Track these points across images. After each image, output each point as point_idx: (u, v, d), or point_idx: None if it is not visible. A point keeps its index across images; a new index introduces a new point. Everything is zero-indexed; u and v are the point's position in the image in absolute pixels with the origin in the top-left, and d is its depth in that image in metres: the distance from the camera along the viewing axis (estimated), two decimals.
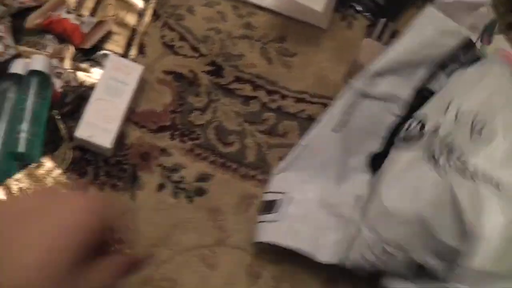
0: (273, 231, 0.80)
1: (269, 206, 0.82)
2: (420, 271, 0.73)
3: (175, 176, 0.87)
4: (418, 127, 0.76)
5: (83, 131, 0.84)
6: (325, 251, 0.77)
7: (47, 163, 0.80)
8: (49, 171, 0.79)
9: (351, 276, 0.81)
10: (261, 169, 0.90)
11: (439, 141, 0.74)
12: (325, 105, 0.94)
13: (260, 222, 0.82)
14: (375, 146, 0.85)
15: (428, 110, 0.79)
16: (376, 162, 0.85)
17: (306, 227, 0.79)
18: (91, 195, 0.58)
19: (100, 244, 0.54)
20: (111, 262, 0.56)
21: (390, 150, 0.79)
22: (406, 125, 0.79)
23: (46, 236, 0.47)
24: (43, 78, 0.83)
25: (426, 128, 0.76)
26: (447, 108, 0.76)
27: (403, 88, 0.83)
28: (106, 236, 0.56)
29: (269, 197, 0.82)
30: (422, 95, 0.83)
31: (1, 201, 0.56)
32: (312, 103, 0.95)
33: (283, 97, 0.95)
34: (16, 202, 0.54)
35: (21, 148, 0.79)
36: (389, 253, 0.73)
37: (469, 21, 0.86)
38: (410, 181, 0.73)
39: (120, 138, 0.88)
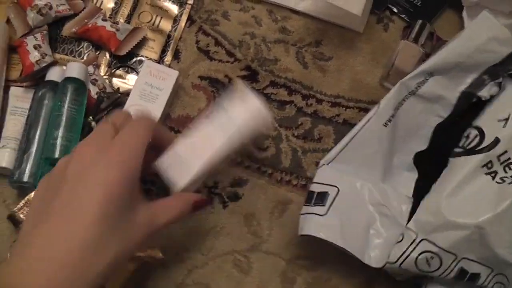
0: (319, 225, 0.77)
1: (315, 198, 0.79)
2: (462, 277, 0.72)
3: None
4: (478, 138, 0.75)
5: None
6: (373, 254, 0.75)
7: None
8: None
9: (388, 280, 0.80)
10: (296, 174, 0.89)
11: (499, 153, 0.73)
12: (360, 109, 0.93)
13: (304, 214, 0.79)
14: (420, 145, 0.84)
15: (487, 121, 0.77)
16: (421, 161, 0.84)
17: (353, 224, 0.77)
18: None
19: None
20: (176, 199, 0.66)
21: (449, 158, 0.77)
22: (465, 134, 0.78)
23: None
24: (78, 84, 0.84)
25: (486, 139, 0.75)
26: (507, 120, 0.75)
27: (450, 90, 0.82)
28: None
29: (315, 188, 0.80)
30: (468, 100, 0.82)
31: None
32: (348, 107, 0.93)
33: (319, 101, 0.94)
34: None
35: (58, 154, 0.80)
36: (438, 259, 0.71)
37: None
38: (470, 192, 0.72)
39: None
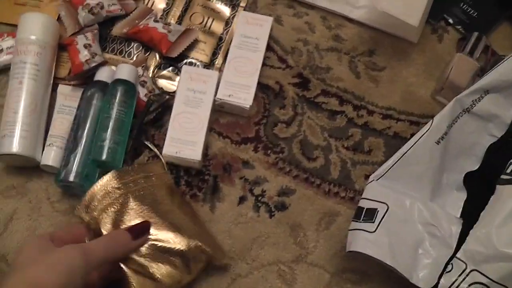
0: (367, 242, 0.75)
1: (364, 214, 0.78)
2: None
3: (257, 189, 0.86)
4: None
5: (169, 148, 0.83)
6: (421, 274, 0.73)
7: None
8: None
9: None
10: (344, 186, 0.87)
11: None
12: (412, 123, 0.91)
13: (353, 229, 0.78)
14: (471, 165, 0.82)
15: None
16: (471, 181, 0.82)
17: (402, 243, 0.75)
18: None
19: None
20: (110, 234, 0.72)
21: (497, 186, 0.74)
22: None
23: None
24: (128, 87, 0.83)
25: None
26: None
27: (505, 109, 0.80)
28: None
29: (364, 204, 0.79)
30: None
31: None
32: (399, 120, 0.92)
33: (370, 112, 0.92)
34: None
35: (105, 156, 0.80)
36: None
37: None
38: None
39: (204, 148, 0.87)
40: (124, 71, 0.84)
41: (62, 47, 0.90)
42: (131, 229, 0.72)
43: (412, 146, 0.78)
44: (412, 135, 0.85)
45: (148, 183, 0.79)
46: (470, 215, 0.76)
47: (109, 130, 0.81)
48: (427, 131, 0.78)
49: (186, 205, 0.82)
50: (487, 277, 0.69)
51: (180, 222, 0.77)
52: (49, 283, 0.58)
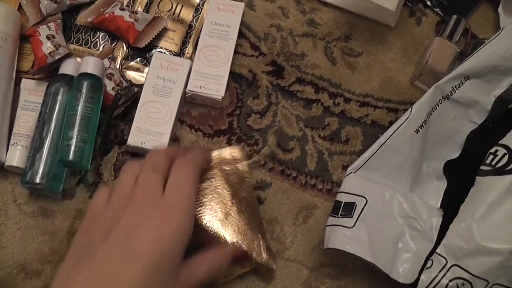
0: (346, 238, 0.73)
1: (342, 208, 0.75)
2: None
3: None
4: (506, 157, 0.70)
5: (134, 138, 0.80)
6: (401, 269, 0.72)
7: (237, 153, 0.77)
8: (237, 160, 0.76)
9: None
10: (321, 178, 0.85)
11: None
12: (390, 110, 0.89)
13: (331, 225, 0.76)
14: (451, 153, 0.81)
15: None
16: (451, 170, 0.81)
17: (381, 237, 0.73)
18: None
19: None
20: (212, 254, 0.65)
21: (476, 177, 0.72)
22: (492, 151, 0.73)
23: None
24: (94, 81, 0.80)
25: None
26: None
27: (485, 95, 0.79)
28: None
29: (342, 197, 0.76)
30: (504, 106, 0.78)
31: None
32: (377, 107, 0.89)
33: (347, 100, 0.89)
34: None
35: (72, 156, 0.76)
36: (469, 286, 0.68)
37: None
38: (502, 215, 0.67)
39: (174, 142, 0.84)
40: (90, 65, 0.80)
41: (25, 38, 0.85)
42: (235, 254, 0.69)
43: (391, 136, 0.76)
44: (391, 122, 0.84)
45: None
46: (450, 206, 0.75)
47: (75, 128, 0.77)
48: (406, 120, 0.76)
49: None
50: (468, 272, 0.68)
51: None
52: None
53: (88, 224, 0.61)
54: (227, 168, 0.74)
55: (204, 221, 0.71)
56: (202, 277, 0.61)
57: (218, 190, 0.73)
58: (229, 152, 0.75)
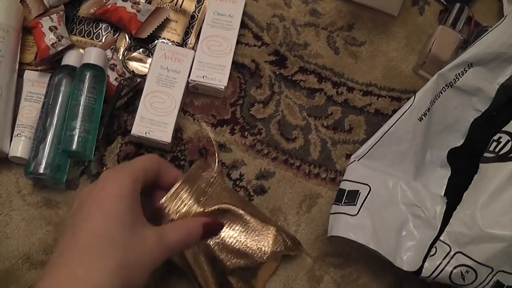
0: (349, 225, 0.73)
1: (345, 196, 0.75)
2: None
3: (235, 173, 0.83)
4: (509, 144, 0.70)
5: (139, 128, 0.80)
6: (405, 257, 0.72)
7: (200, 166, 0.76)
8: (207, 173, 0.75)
9: (418, 283, 0.78)
10: (325, 167, 0.85)
11: None
12: (393, 99, 0.89)
13: (334, 213, 0.75)
14: (455, 141, 0.81)
15: None
16: (455, 158, 0.80)
17: (385, 225, 0.73)
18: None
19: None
20: (184, 221, 0.68)
21: (480, 165, 0.72)
22: (496, 138, 0.72)
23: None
24: (97, 71, 0.80)
25: None
26: None
27: (489, 82, 0.79)
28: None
29: (345, 185, 0.76)
30: (508, 93, 0.78)
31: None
32: (380, 96, 0.89)
33: (350, 89, 0.89)
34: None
35: (75, 146, 0.76)
36: (474, 273, 0.68)
37: None
38: (506, 201, 0.67)
39: (177, 132, 0.84)
40: (92, 55, 0.80)
41: (27, 30, 0.85)
42: (207, 225, 0.68)
43: (394, 124, 0.75)
44: (394, 111, 0.83)
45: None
46: (454, 193, 0.74)
47: (78, 118, 0.77)
48: (409, 107, 0.75)
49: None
50: (472, 259, 0.68)
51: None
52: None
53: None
54: (204, 186, 0.74)
55: (231, 241, 0.73)
56: (173, 242, 0.61)
57: (221, 207, 0.73)
58: (193, 172, 0.74)
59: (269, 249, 0.75)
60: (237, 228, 0.74)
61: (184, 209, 0.70)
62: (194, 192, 0.71)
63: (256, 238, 0.75)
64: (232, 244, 0.73)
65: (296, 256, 0.80)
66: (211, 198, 0.73)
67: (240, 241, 0.74)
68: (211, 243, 0.72)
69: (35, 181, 0.80)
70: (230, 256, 0.73)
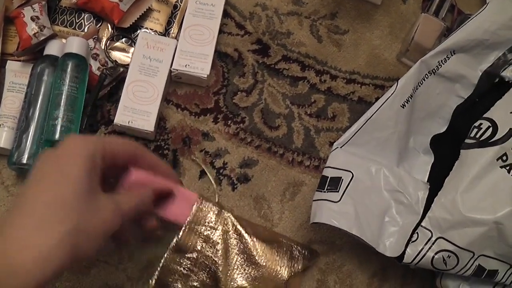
0: (332, 212, 0.73)
1: (328, 183, 0.75)
2: (479, 274, 0.69)
3: (218, 162, 0.83)
4: (490, 130, 0.70)
5: (122, 117, 0.80)
6: (388, 242, 0.72)
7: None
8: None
9: (403, 267, 0.77)
10: (308, 155, 0.85)
11: None
12: (377, 86, 0.89)
13: (317, 200, 0.75)
14: (438, 127, 0.81)
15: (498, 113, 0.73)
16: (438, 144, 0.81)
17: (368, 211, 0.73)
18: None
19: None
20: (139, 190, 0.65)
21: (461, 151, 0.72)
22: (477, 124, 0.73)
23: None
24: (79, 61, 0.79)
25: (499, 131, 0.70)
26: None
27: (471, 69, 0.79)
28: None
29: (328, 172, 0.76)
30: (490, 80, 0.79)
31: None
32: (364, 84, 0.89)
33: (333, 77, 0.89)
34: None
35: (58, 136, 0.76)
36: (455, 257, 0.68)
37: None
38: (486, 186, 0.68)
39: (160, 121, 0.84)
40: (74, 45, 0.80)
41: (9, 20, 0.85)
42: (158, 191, 0.68)
43: (377, 110, 0.76)
44: (377, 99, 0.83)
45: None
46: (437, 180, 0.75)
47: (61, 107, 0.77)
48: (391, 94, 0.76)
49: None
50: (453, 244, 0.68)
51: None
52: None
53: None
54: (207, 223, 0.75)
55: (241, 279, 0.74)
56: (128, 209, 0.62)
57: (228, 243, 0.75)
58: (195, 209, 0.74)
59: (286, 271, 0.76)
60: (252, 258, 0.75)
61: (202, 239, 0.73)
62: (208, 222, 0.74)
63: (274, 261, 0.76)
64: (253, 272, 0.74)
65: None
66: (226, 223, 0.75)
67: (258, 269, 0.75)
68: (233, 273, 0.74)
69: (18, 171, 0.80)
70: (252, 283, 0.74)
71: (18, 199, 0.56)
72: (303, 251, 0.77)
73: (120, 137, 0.66)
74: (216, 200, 0.81)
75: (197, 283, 0.73)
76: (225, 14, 0.91)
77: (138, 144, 0.66)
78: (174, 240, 0.72)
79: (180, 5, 0.90)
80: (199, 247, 0.73)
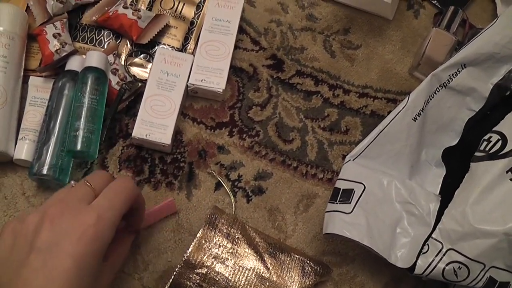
0: (344, 223, 0.74)
1: (340, 195, 0.76)
2: (491, 286, 0.70)
3: (233, 175, 0.85)
4: (500, 142, 0.71)
5: (139, 130, 0.82)
6: (399, 253, 0.73)
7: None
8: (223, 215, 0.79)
9: (416, 279, 0.77)
10: (322, 168, 0.86)
11: None
12: (389, 100, 0.91)
13: (329, 211, 0.76)
14: (449, 140, 0.82)
15: (508, 126, 0.74)
16: (450, 157, 0.81)
17: (379, 222, 0.74)
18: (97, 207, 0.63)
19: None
20: (124, 245, 0.72)
21: (471, 164, 0.73)
22: (486, 137, 0.74)
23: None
24: (99, 74, 0.82)
25: (508, 143, 0.71)
26: None
27: (482, 82, 0.80)
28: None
29: (340, 184, 0.77)
30: (501, 93, 0.79)
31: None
32: (376, 98, 0.91)
33: (346, 92, 0.91)
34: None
35: (80, 146, 0.78)
36: (466, 269, 0.69)
37: None
38: (496, 198, 0.68)
39: (177, 135, 0.86)
40: (94, 58, 0.83)
41: (32, 37, 0.88)
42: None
43: (389, 123, 0.77)
44: (390, 112, 0.84)
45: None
46: (448, 192, 0.75)
47: (82, 119, 0.79)
48: (403, 108, 0.77)
49: None
50: (463, 255, 0.68)
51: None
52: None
53: (14, 233, 0.61)
54: (225, 228, 0.77)
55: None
56: (117, 270, 0.68)
57: (238, 259, 0.76)
58: (211, 219, 0.77)
59: (297, 286, 0.76)
60: (262, 273, 0.76)
61: (217, 251, 0.75)
62: (218, 236, 0.76)
63: (285, 277, 0.76)
64: (263, 287, 0.75)
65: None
66: (237, 237, 0.77)
67: (268, 284, 0.76)
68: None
69: (39, 182, 0.82)
70: None
71: (37, 261, 0.57)
72: (315, 267, 0.78)
73: (126, 188, 0.67)
74: (233, 211, 0.83)
75: None
76: (241, 30, 0.93)
77: (138, 191, 0.70)
78: (184, 256, 0.74)
79: (197, 22, 0.92)
80: (209, 263, 0.74)
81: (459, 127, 0.82)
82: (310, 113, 0.89)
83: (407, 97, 0.77)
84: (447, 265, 0.69)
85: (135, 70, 0.89)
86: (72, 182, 0.67)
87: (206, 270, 0.74)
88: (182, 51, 0.90)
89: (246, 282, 0.74)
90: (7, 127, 0.81)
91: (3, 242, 0.60)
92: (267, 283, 0.75)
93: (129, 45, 0.90)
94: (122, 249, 0.71)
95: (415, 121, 0.77)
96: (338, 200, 0.76)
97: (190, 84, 0.85)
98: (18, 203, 0.82)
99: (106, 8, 0.90)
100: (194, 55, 0.88)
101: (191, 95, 0.88)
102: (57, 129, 0.81)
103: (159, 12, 0.92)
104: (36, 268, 0.56)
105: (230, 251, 0.75)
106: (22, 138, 0.82)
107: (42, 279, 0.55)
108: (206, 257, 0.74)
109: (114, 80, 0.85)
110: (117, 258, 0.69)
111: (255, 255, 0.76)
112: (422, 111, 0.77)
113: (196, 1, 0.94)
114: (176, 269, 0.74)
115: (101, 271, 0.61)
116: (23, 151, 0.81)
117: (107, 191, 0.64)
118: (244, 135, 0.87)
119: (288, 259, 0.77)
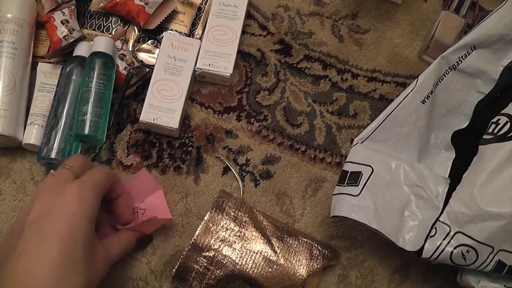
0: (351, 206, 0.73)
1: (348, 178, 0.76)
2: (500, 270, 0.69)
3: (241, 159, 0.85)
4: (508, 124, 0.70)
5: (147, 115, 0.82)
6: (407, 237, 0.72)
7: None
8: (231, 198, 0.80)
9: (425, 263, 0.78)
10: (330, 152, 0.86)
11: None
12: (398, 84, 0.90)
13: (337, 194, 0.76)
14: (459, 123, 0.81)
15: None
16: (459, 140, 0.81)
17: (387, 205, 0.73)
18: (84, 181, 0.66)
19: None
20: (124, 235, 0.73)
21: (479, 146, 0.72)
22: (494, 120, 0.72)
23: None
24: (106, 59, 0.82)
25: None
26: None
27: (492, 64, 0.79)
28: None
29: (348, 167, 0.77)
30: (511, 75, 0.78)
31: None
32: (385, 82, 0.90)
33: (354, 76, 0.90)
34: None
35: (88, 130, 0.79)
36: (474, 252, 0.68)
37: None
38: (505, 180, 0.67)
39: (185, 119, 0.86)
40: (101, 44, 0.83)
41: (40, 25, 0.88)
42: (139, 239, 0.76)
43: (397, 106, 0.76)
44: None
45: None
46: (458, 176, 0.74)
47: (90, 103, 0.80)
48: (411, 90, 0.76)
49: None
50: (472, 238, 0.68)
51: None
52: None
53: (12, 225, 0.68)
54: (232, 211, 0.78)
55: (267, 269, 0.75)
56: (115, 256, 0.69)
57: (246, 242, 0.76)
58: (218, 203, 0.78)
59: (305, 270, 0.76)
60: (270, 256, 0.76)
61: (224, 234, 0.76)
62: (226, 220, 0.76)
63: (292, 260, 0.76)
64: (270, 270, 0.75)
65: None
66: (244, 221, 0.77)
67: (276, 268, 0.75)
68: (250, 271, 0.75)
69: (47, 166, 0.83)
70: (269, 281, 0.75)
71: (33, 238, 0.60)
72: (324, 251, 0.78)
73: (104, 170, 0.70)
74: (241, 195, 0.83)
75: (213, 281, 0.74)
76: (248, 15, 0.93)
77: (115, 176, 0.72)
78: (192, 239, 0.74)
79: (205, 7, 0.92)
80: (216, 246, 0.74)
81: (468, 110, 0.81)
82: (318, 97, 0.89)
83: (416, 80, 0.77)
84: (455, 248, 0.68)
85: (142, 56, 0.89)
86: (52, 171, 0.73)
87: (213, 253, 0.74)
88: (190, 37, 0.90)
89: (254, 265, 0.74)
90: (16, 112, 0.82)
91: (9, 232, 0.65)
92: (275, 266, 0.75)
93: (136, 31, 0.90)
94: (123, 239, 0.73)
95: (423, 104, 0.76)
96: (345, 183, 0.75)
97: (198, 68, 0.85)
98: (27, 188, 0.82)
99: None
100: (201, 40, 0.88)
101: (199, 80, 0.88)
102: (65, 114, 0.81)
103: None
104: (30, 238, 0.59)
105: (238, 234, 0.75)
106: (31, 123, 0.83)
107: (37, 243, 0.59)
108: (214, 240, 0.74)
109: (121, 65, 0.85)
110: (114, 244, 0.70)
111: (262, 238, 0.76)
112: (431, 94, 0.77)
113: None
114: (184, 253, 0.74)
115: (95, 248, 0.64)
116: (32, 136, 0.82)
117: (88, 172, 0.67)
118: (252, 120, 0.87)
119: (296, 242, 0.77)
